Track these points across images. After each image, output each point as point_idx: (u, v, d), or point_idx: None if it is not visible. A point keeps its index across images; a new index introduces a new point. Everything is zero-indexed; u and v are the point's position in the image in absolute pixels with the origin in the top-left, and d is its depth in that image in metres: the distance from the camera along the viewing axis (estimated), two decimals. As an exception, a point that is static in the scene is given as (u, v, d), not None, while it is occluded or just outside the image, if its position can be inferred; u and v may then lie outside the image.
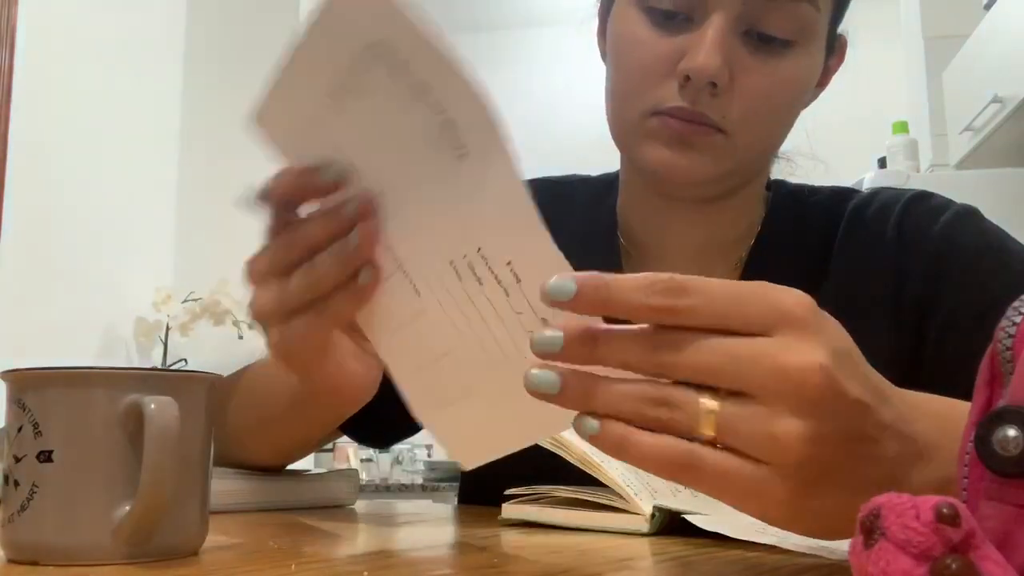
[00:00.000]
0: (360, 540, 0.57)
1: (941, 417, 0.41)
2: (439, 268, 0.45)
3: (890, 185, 0.92)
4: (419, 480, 3.33)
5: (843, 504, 0.35)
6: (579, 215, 0.82)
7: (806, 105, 0.73)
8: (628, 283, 0.36)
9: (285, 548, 0.48)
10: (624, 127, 0.71)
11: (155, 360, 2.86)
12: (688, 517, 0.54)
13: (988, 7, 2.46)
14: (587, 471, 0.59)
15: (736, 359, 0.35)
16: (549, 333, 0.37)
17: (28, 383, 0.42)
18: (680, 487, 0.61)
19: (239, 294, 2.81)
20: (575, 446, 0.60)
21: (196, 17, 3.20)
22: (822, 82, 0.73)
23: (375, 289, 0.48)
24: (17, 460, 0.41)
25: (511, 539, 0.54)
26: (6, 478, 0.42)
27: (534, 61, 4.65)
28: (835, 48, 0.73)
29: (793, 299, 0.37)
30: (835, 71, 0.74)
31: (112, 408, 0.40)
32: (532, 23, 4.61)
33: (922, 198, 0.75)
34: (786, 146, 0.76)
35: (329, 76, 0.46)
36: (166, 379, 0.43)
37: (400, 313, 0.48)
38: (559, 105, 4.45)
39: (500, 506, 0.63)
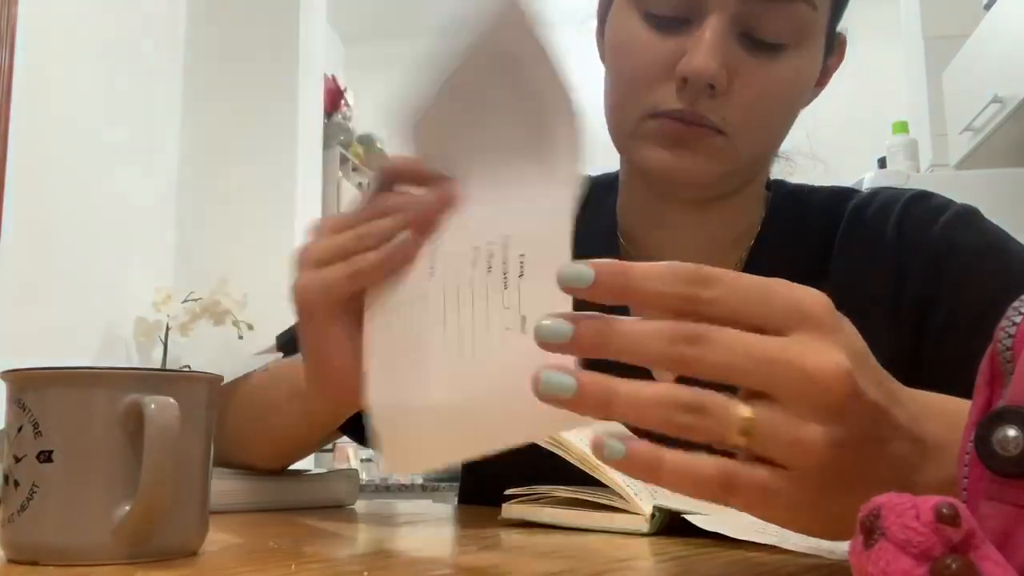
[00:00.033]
0: (360, 540, 0.57)
1: (949, 416, 0.41)
2: (464, 250, 0.46)
3: (890, 185, 0.92)
4: (419, 480, 3.33)
5: (852, 505, 0.35)
6: (579, 215, 0.82)
7: (806, 104, 0.73)
8: (651, 270, 0.35)
9: (285, 548, 0.48)
10: (622, 129, 0.71)
11: (155, 360, 2.86)
12: (688, 517, 0.54)
13: (988, 7, 2.46)
14: (587, 471, 0.59)
15: (762, 360, 0.34)
16: (556, 321, 0.35)
17: (28, 383, 0.42)
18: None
19: (239, 294, 2.81)
20: (575, 446, 0.60)
21: (196, 17, 3.20)
22: (821, 81, 0.73)
23: (405, 258, 0.50)
24: (17, 460, 0.41)
25: (511, 539, 0.54)
26: (6, 478, 0.42)
27: (534, 61, 4.64)
28: (834, 47, 0.73)
29: (812, 298, 0.36)
30: (835, 70, 0.74)
31: (112, 408, 0.40)
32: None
33: (922, 198, 0.75)
34: (786, 145, 0.76)
35: (459, 79, 0.49)
36: (166, 379, 0.43)
37: (406, 290, 0.49)
38: (559, 105, 4.45)
39: (500, 506, 0.63)
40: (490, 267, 0.45)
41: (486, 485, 0.70)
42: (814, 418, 0.34)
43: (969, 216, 0.73)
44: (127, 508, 0.40)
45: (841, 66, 0.75)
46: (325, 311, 0.54)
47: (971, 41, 2.52)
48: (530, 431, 0.37)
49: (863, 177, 2.55)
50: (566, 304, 0.38)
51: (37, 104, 2.46)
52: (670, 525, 0.57)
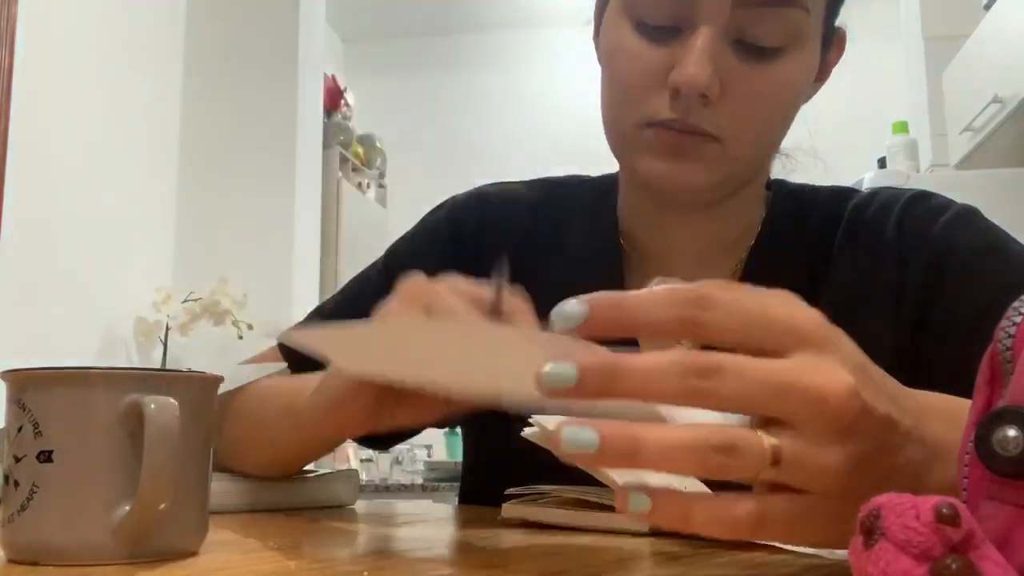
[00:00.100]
0: (360, 540, 0.57)
1: (951, 417, 0.41)
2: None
3: (890, 185, 0.92)
4: (419, 480, 3.33)
5: None
6: (580, 216, 0.83)
7: (806, 100, 0.72)
8: (647, 298, 0.35)
9: (285, 548, 0.48)
10: (619, 138, 0.71)
11: (155, 360, 2.87)
12: None
13: (988, 7, 2.46)
14: (587, 471, 0.59)
15: (775, 387, 0.34)
16: (560, 365, 0.33)
17: (28, 383, 0.42)
18: (682, 483, 0.61)
19: (239, 294, 2.81)
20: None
21: (196, 17, 3.21)
22: (821, 76, 0.73)
23: None
24: (17, 460, 0.41)
25: (511, 539, 0.54)
26: (6, 478, 0.42)
27: (534, 61, 4.65)
28: (832, 43, 0.73)
29: (808, 316, 0.36)
30: (835, 64, 0.74)
31: (112, 408, 0.40)
32: (532, 23, 4.61)
33: (922, 198, 0.75)
34: (786, 142, 0.76)
35: None
36: (166, 379, 0.43)
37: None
38: (559, 105, 4.45)
39: (500, 506, 0.63)
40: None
41: (486, 485, 0.70)
42: (830, 440, 0.34)
43: (969, 216, 0.73)
44: (127, 508, 0.40)
45: (841, 66, 0.75)
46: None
47: (971, 41, 2.52)
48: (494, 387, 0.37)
49: (863, 177, 2.55)
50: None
51: (37, 104, 2.46)
52: (670, 525, 0.57)
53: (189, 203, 3.13)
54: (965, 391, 0.34)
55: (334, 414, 0.58)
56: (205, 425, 0.44)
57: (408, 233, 0.87)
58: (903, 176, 2.52)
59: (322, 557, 0.46)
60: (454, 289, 0.54)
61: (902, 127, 2.88)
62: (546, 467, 0.59)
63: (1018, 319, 0.30)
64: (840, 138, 2.19)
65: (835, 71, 0.75)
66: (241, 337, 2.78)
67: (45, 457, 0.40)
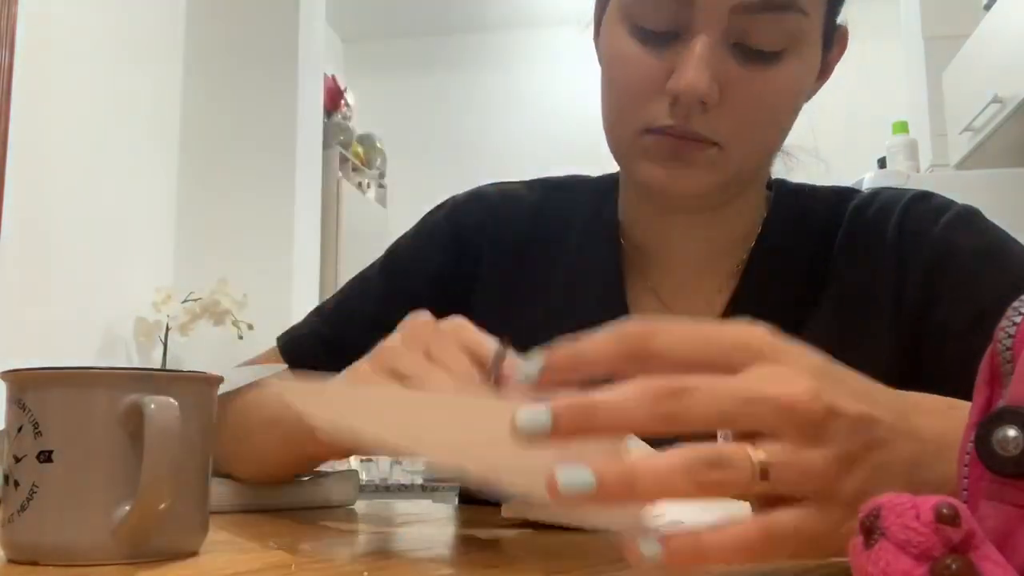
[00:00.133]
0: (360, 540, 0.57)
1: (943, 411, 0.41)
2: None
3: (890, 185, 0.92)
4: (419, 480, 3.33)
5: None
6: (580, 216, 0.82)
7: (808, 99, 0.72)
8: (597, 340, 0.37)
9: (285, 548, 0.48)
10: (619, 144, 0.71)
11: (155, 360, 2.87)
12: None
13: (988, 7, 2.46)
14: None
15: (745, 400, 0.34)
16: (533, 411, 0.34)
17: (28, 383, 0.42)
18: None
19: (239, 294, 2.81)
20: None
21: (196, 17, 3.21)
22: (823, 74, 0.72)
23: None
24: (17, 460, 0.41)
25: (511, 539, 0.54)
26: (6, 478, 0.42)
27: (534, 61, 4.65)
28: (834, 41, 0.72)
29: (752, 331, 0.37)
30: (837, 61, 0.74)
31: (112, 408, 0.40)
32: (532, 23, 4.61)
33: (923, 198, 0.75)
34: (788, 141, 0.76)
35: None
36: (166, 379, 0.43)
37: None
38: (559, 105, 4.45)
39: (500, 506, 0.63)
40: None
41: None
42: (808, 444, 0.35)
43: (970, 217, 0.73)
44: (127, 508, 0.40)
45: (841, 65, 0.75)
46: None
47: (971, 41, 2.52)
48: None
49: (863, 177, 2.55)
50: None
51: (37, 104, 2.46)
52: (670, 525, 0.57)
53: (189, 203, 3.13)
54: (965, 391, 0.34)
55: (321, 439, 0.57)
56: (205, 425, 0.44)
57: (408, 233, 0.87)
58: (903, 176, 2.52)
59: (322, 557, 0.46)
60: (458, 336, 0.54)
61: (902, 127, 2.88)
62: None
63: (1018, 319, 0.31)
64: (840, 138, 2.19)
65: (835, 70, 0.74)
66: (241, 337, 2.78)
67: (45, 457, 0.40)
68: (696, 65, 0.63)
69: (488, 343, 0.53)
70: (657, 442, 0.35)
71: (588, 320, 0.77)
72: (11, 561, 0.41)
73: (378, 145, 4.37)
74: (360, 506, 0.79)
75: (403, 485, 3.21)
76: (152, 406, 0.39)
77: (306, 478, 0.76)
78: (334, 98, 3.91)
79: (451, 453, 0.41)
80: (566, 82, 4.41)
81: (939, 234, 0.72)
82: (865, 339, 0.71)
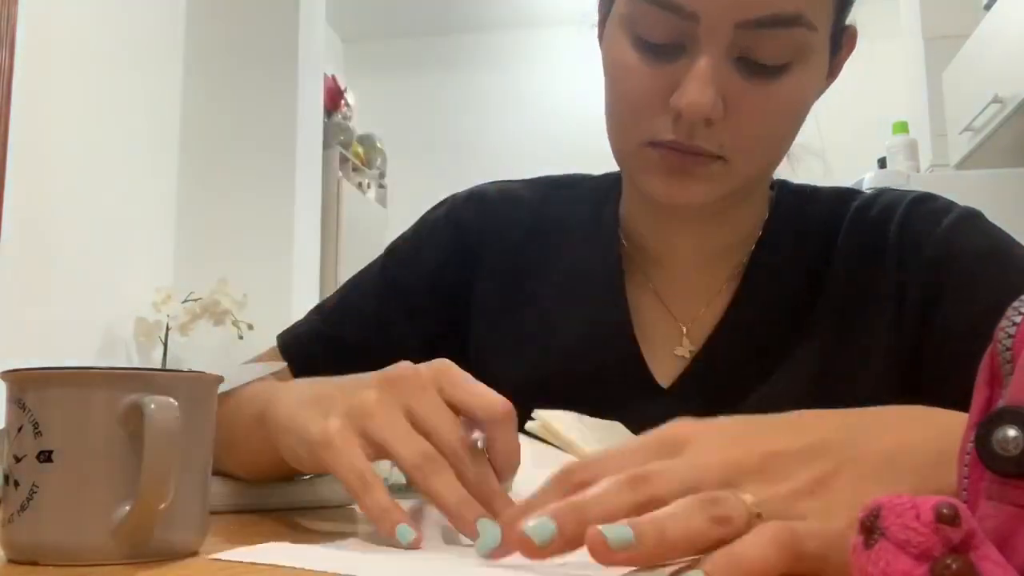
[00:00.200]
0: (360, 540, 0.57)
1: (922, 421, 0.44)
2: None
3: (890, 185, 0.92)
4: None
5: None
6: (581, 215, 0.82)
7: (816, 99, 0.71)
8: (542, 496, 0.41)
9: (285, 548, 0.48)
10: (622, 154, 0.70)
11: (155, 360, 2.87)
12: None
13: (988, 7, 2.46)
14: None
15: (696, 469, 0.39)
16: (539, 521, 0.37)
17: (28, 383, 0.42)
18: None
19: (239, 294, 2.81)
20: (578, 446, 0.60)
21: (196, 17, 3.21)
22: (832, 74, 0.71)
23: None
24: (17, 460, 0.41)
25: (511, 539, 0.54)
26: (6, 478, 0.42)
27: (534, 61, 4.65)
28: (842, 43, 0.71)
29: (672, 427, 0.43)
30: (846, 60, 0.73)
31: (112, 408, 0.40)
32: (532, 23, 4.61)
33: (925, 200, 0.75)
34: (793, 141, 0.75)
35: None
36: (166, 379, 0.43)
37: None
38: (559, 105, 4.45)
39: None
40: None
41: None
42: (764, 488, 0.38)
43: (972, 219, 0.73)
44: (127, 508, 0.40)
45: (844, 64, 0.74)
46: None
47: (971, 41, 2.52)
48: None
49: (863, 177, 2.55)
50: None
51: (37, 104, 2.46)
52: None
53: (189, 203, 3.13)
54: (965, 392, 0.34)
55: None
56: (205, 425, 0.44)
57: (408, 232, 0.87)
58: (903, 176, 2.52)
59: (322, 557, 0.46)
60: (442, 390, 0.52)
61: (902, 127, 2.88)
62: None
63: (1018, 319, 0.31)
64: (840, 138, 2.19)
65: (847, 60, 0.73)
66: (241, 337, 2.78)
67: (45, 457, 0.40)
68: (699, 83, 0.62)
69: (472, 391, 0.51)
70: None
71: (588, 320, 0.77)
72: (11, 561, 0.41)
73: (378, 145, 4.37)
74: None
75: (403, 485, 3.20)
76: (152, 406, 0.39)
77: (306, 477, 0.76)
78: (334, 98, 3.92)
79: None
80: (566, 82, 4.41)
81: (941, 236, 0.72)
82: (865, 340, 0.71)
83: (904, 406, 0.47)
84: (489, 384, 0.52)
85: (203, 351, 2.85)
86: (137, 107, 2.92)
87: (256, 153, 3.15)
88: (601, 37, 0.73)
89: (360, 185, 4.12)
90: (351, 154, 4.02)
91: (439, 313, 0.81)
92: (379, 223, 4.16)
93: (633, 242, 0.79)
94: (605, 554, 0.35)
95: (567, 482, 0.41)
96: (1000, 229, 0.73)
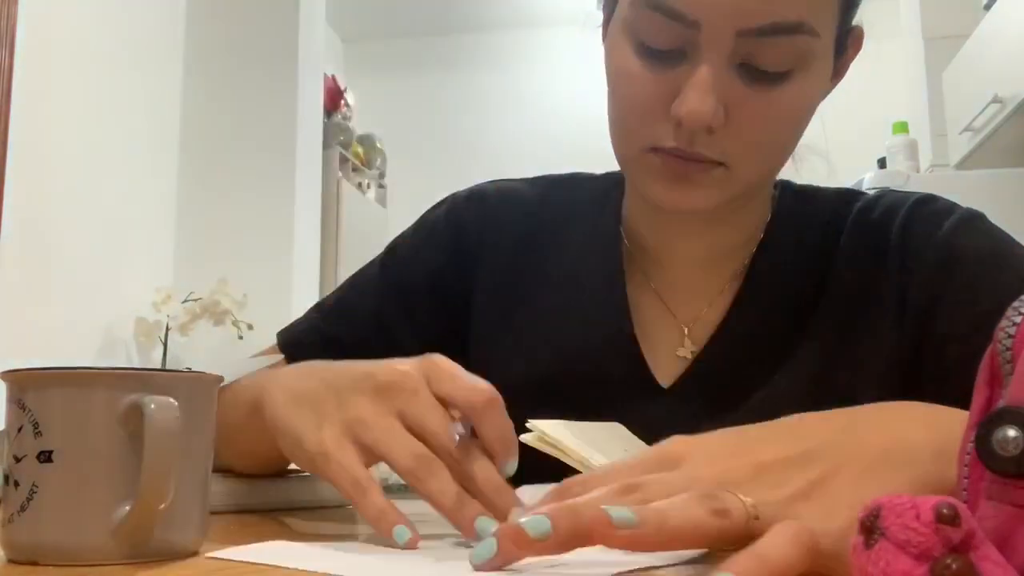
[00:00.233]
0: (360, 540, 0.57)
1: (889, 419, 0.44)
2: None
3: (889, 185, 0.92)
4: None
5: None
6: (582, 214, 0.82)
7: (821, 101, 0.71)
8: (539, 505, 0.43)
9: (285, 548, 0.48)
10: (624, 158, 0.70)
11: (155, 360, 2.87)
12: None
13: (988, 7, 2.46)
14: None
15: (689, 481, 0.40)
16: (536, 518, 0.38)
17: (28, 383, 0.42)
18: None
19: (239, 294, 2.81)
20: (573, 449, 0.60)
21: (196, 17, 3.21)
22: (838, 75, 0.71)
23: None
24: (17, 460, 0.41)
25: (511, 539, 0.54)
26: (6, 478, 0.42)
27: (534, 61, 4.65)
28: (848, 45, 0.71)
29: (666, 444, 0.45)
30: (852, 60, 0.72)
31: (112, 408, 0.40)
32: (532, 23, 4.61)
33: (928, 201, 0.75)
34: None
35: None
36: (166, 379, 0.43)
37: None
38: (559, 105, 4.45)
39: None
40: None
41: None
42: (769, 488, 0.39)
43: (974, 220, 0.73)
44: (127, 508, 0.40)
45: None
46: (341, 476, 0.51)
47: (971, 41, 2.52)
48: None
49: (863, 177, 2.55)
50: None
51: (37, 104, 2.46)
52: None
53: (189, 203, 3.13)
54: (965, 392, 0.34)
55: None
56: (205, 425, 0.44)
57: (408, 230, 0.87)
58: (903, 176, 2.52)
59: (322, 557, 0.46)
60: (435, 386, 0.52)
61: (902, 127, 2.88)
62: (542, 470, 0.60)
63: (1018, 319, 0.31)
64: (840, 138, 2.19)
65: (853, 61, 0.73)
66: (241, 337, 2.78)
67: (45, 457, 0.40)
68: (700, 92, 0.62)
69: (456, 385, 0.51)
70: None
71: (589, 320, 0.77)
72: (11, 561, 0.41)
73: (378, 145, 4.37)
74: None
75: (403, 485, 3.20)
76: (152, 406, 0.39)
77: (305, 474, 0.76)
78: (334, 98, 3.92)
79: None
80: (566, 82, 4.41)
81: (943, 237, 0.72)
82: (867, 341, 0.71)
83: (903, 403, 0.47)
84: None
85: (203, 351, 2.85)
86: (137, 107, 2.92)
87: (256, 153, 3.15)
88: (606, 32, 0.73)
89: (360, 185, 4.12)
90: (351, 154, 4.02)
91: (439, 313, 0.81)
92: (379, 223, 4.16)
93: (635, 242, 0.79)
94: (608, 531, 0.36)
95: (564, 496, 0.43)
96: (1002, 230, 0.73)
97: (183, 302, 2.83)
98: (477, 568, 0.38)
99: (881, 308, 0.72)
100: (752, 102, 0.63)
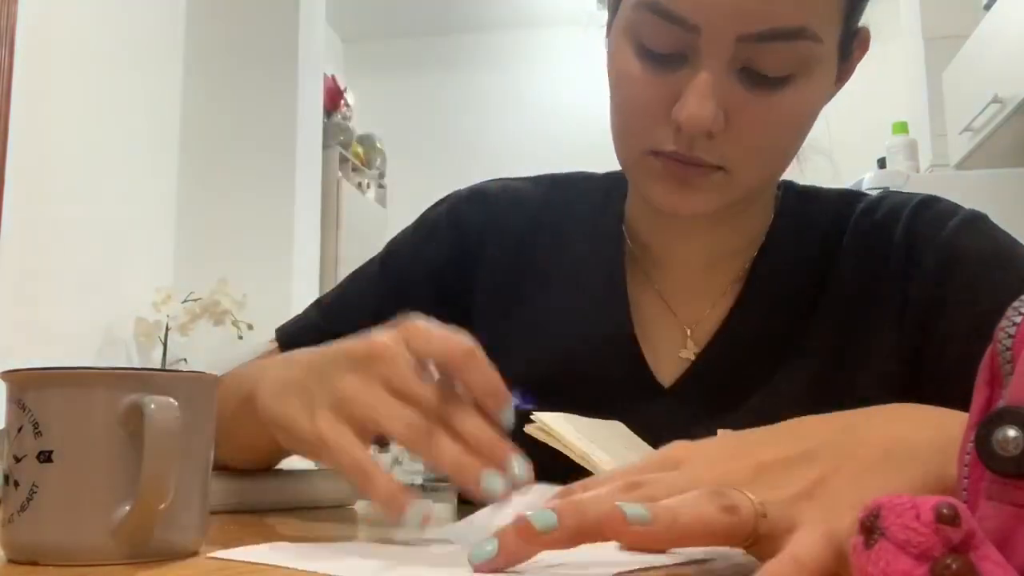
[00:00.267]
0: (360, 540, 0.57)
1: (909, 417, 0.45)
2: None
3: (889, 185, 0.92)
4: (419, 480, 3.33)
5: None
6: (584, 213, 0.82)
7: (827, 102, 0.71)
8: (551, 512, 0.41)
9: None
10: (625, 160, 0.70)
11: (155, 360, 2.87)
12: None
13: (988, 7, 2.46)
14: (588, 469, 0.59)
15: (691, 481, 0.40)
16: (542, 512, 0.38)
17: (28, 383, 0.42)
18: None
19: (239, 294, 2.81)
20: (575, 444, 0.60)
21: (196, 17, 3.21)
22: (842, 79, 0.71)
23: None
24: (17, 460, 0.41)
25: (511, 539, 0.54)
26: (6, 478, 0.42)
27: (534, 61, 4.65)
28: (853, 49, 0.70)
29: (668, 448, 0.45)
30: (858, 62, 0.72)
31: (112, 408, 0.40)
32: (532, 23, 4.61)
33: (930, 203, 0.75)
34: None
35: None
36: (166, 379, 0.43)
37: None
38: (559, 105, 4.45)
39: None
40: None
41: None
42: (772, 487, 0.39)
43: (977, 221, 0.73)
44: (127, 508, 0.40)
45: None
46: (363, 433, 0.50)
47: (971, 41, 2.52)
48: None
49: (863, 177, 2.55)
50: None
51: (37, 104, 2.46)
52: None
53: (189, 203, 3.13)
54: (965, 393, 0.34)
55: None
56: (205, 425, 0.44)
57: (408, 228, 0.86)
58: (903, 176, 2.52)
59: (322, 557, 0.46)
60: (416, 349, 0.51)
61: (902, 127, 2.88)
62: (544, 465, 0.60)
63: (1018, 319, 0.31)
64: (840, 138, 2.19)
65: (859, 63, 0.72)
66: (241, 337, 2.78)
67: (45, 457, 0.40)
68: (700, 97, 0.61)
69: (433, 345, 0.51)
70: None
71: (589, 319, 0.77)
72: (11, 561, 0.41)
73: (378, 145, 4.37)
74: (360, 506, 0.79)
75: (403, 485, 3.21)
76: (152, 406, 0.39)
77: (306, 474, 0.76)
78: (334, 98, 3.91)
79: None
80: (566, 82, 4.41)
81: (946, 239, 0.72)
82: (868, 342, 0.71)
83: (903, 404, 0.47)
84: None
85: (203, 351, 2.85)
86: (137, 107, 2.92)
87: (256, 153, 3.15)
88: (609, 31, 0.73)
89: (360, 185, 4.12)
90: (351, 154, 4.02)
91: (439, 311, 0.81)
92: (379, 223, 4.16)
93: (637, 242, 0.79)
94: (621, 526, 0.36)
95: (568, 496, 0.43)
96: (1004, 232, 0.73)
97: (183, 302, 2.83)
98: (477, 569, 0.38)
99: (883, 309, 0.72)
100: (752, 107, 0.63)
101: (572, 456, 0.60)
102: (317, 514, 0.69)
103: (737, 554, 0.42)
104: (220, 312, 2.79)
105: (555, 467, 0.61)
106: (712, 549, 0.42)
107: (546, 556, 0.39)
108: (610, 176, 0.85)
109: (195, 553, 0.44)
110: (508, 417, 0.51)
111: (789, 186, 0.80)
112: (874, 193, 0.80)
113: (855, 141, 3.18)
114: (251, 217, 3.12)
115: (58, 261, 2.53)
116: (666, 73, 0.64)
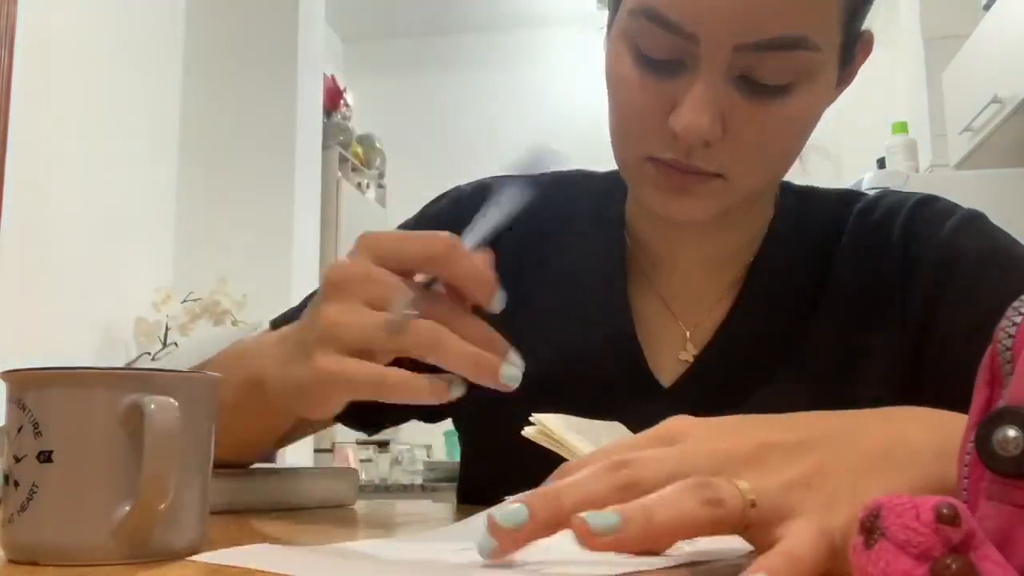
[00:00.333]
0: (359, 540, 0.57)
1: (911, 418, 0.44)
2: None
3: (889, 185, 0.92)
4: (418, 480, 3.33)
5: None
6: (585, 212, 0.82)
7: (828, 106, 0.70)
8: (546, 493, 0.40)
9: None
10: (623, 165, 0.70)
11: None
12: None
13: (988, 7, 2.46)
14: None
15: (684, 456, 0.39)
16: (510, 509, 0.37)
17: (28, 383, 0.42)
18: None
19: (238, 294, 2.81)
20: (574, 444, 0.60)
21: (196, 17, 3.21)
22: (844, 82, 0.70)
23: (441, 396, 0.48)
24: (17, 460, 0.41)
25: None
26: (6, 478, 0.42)
27: (534, 61, 4.65)
28: (855, 53, 0.69)
29: (669, 422, 0.43)
30: (861, 65, 0.71)
31: (112, 408, 0.40)
32: (532, 23, 4.61)
33: (929, 202, 0.75)
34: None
35: None
36: (166, 379, 0.43)
37: None
38: (559, 105, 4.45)
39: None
40: None
41: (484, 485, 0.70)
42: (755, 478, 0.38)
43: (975, 221, 0.73)
44: (127, 508, 0.40)
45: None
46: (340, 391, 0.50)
47: (971, 41, 2.52)
48: None
49: (862, 177, 2.55)
50: None
51: (37, 104, 2.46)
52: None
53: (189, 203, 3.13)
54: (965, 393, 0.34)
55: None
56: (205, 425, 0.44)
57: (410, 221, 0.86)
58: (903, 176, 2.52)
59: (322, 557, 0.46)
60: (382, 260, 0.50)
61: (902, 127, 2.88)
62: (544, 466, 0.60)
63: (1018, 319, 0.31)
64: (840, 138, 2.19)
65: (861, 66, 0.72)
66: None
67: (45, 457, 0.40)
68: (696, 106, 0.61)
69: (405, 248, 0.50)
70: None
71: (589, 319, 0.77)
72: (11, 561, 0.41)
73: (378, 145, 4.37)
74: (360, 506, 0.79)
75: (403, 485, 3.21)
76: (152, 406, 0.39)
77: (306, 474, 0.76)
78: (334, 98, 3.91)
79: None
80: (566, 82, 4.41)
81: (944, 238, 0.72)
82: (867, 341, 0.71)
83: (903, 406, 0.47)
84: None
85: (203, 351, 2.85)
86: (137, 107, 2.92)
87: (256, 153, 3.15)
88: (609, 31, 0.73)
89: (359, 185, 4.12)
90: (350, 154, 4.02)
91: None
92: (378, 223, 4.16)
93: (637, 242, 0.79)
94: (589, 539, 0.35)
95: (563, 476, 0.41)
96: (1003, 231, 0.73)
97: (183, 302, 2.83)
98: (484, 555, 0.38)
99: (881, 309, 0.72)
100: (750, 115, 0.63)
101: (571, 458, 0.60)
102: (317, 514, 0.69)
103: (737, 554, 0.42)
104: (220, 312, 2.79)
105: (555, 468, 0.61)
106: (712, 550, 0.41)
107: (546, 556, 0.39)
108: (610, 175, 0.84)
109: (195, 553, 0.44)
110: (501, 302, 0.51)
111: (787, 186, 0.80)
112: (872, 193, 0.80)
113: (855, 141, 3.19)
114: (251, 217, 3.12)
115: (58, 261, 2.53)
116: (663, 80, 0.64)
